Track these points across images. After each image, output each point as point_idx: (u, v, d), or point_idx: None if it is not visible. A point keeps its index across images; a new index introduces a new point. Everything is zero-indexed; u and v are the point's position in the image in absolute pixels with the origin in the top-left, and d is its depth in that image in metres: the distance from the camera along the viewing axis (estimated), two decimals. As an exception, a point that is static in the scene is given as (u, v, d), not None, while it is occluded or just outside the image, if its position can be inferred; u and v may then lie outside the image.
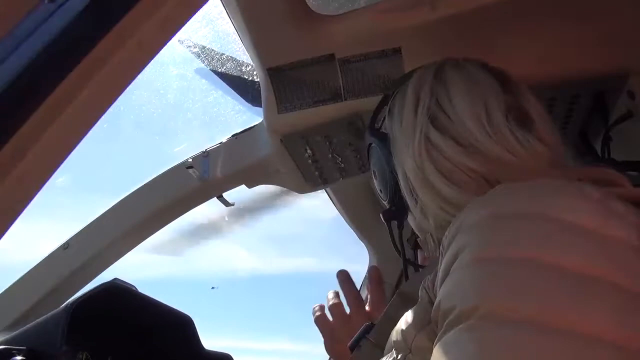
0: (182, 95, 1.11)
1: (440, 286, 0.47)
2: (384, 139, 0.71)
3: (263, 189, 1.44)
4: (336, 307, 0.88)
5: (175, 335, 1.24)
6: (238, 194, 1.40)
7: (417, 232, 0.71)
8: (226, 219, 1.51)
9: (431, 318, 0.50)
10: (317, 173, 1.25)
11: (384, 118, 0.75)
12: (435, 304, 0.47)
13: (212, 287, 3.23)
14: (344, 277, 0.91)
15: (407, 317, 0.57)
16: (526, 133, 0.61)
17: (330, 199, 1.68)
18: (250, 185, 1.36)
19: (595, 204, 0.46)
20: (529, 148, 0.60)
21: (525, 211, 0.46)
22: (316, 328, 0.90)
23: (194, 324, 1.32)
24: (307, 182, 1.31)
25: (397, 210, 0.71)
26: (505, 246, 0.44)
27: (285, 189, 1.41)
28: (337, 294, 0.90)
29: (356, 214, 1.65)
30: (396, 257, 0.79)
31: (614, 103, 1.02)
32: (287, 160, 1.20)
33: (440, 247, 0.51)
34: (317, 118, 1.08)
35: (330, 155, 1.18)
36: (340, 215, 1.62)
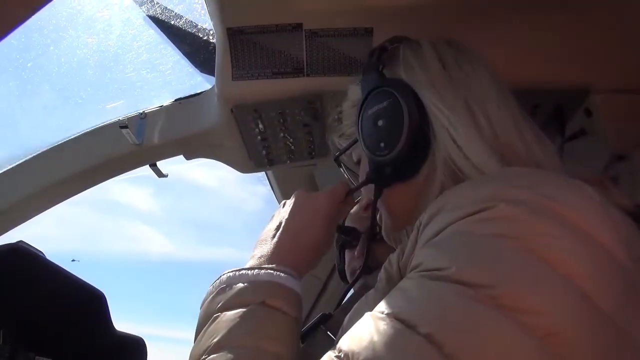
0: (124, 44, 0.99)
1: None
2: (399, 85, 0.63)
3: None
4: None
5: (85, 309, 1.13)
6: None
7: (395, 211, 0.65)
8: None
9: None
10: (264, 152, 1.17)
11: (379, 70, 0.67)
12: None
13: (73, 260, 3.12)
14: None
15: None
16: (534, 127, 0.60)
17: (270, 182, 1.61)
18: (188, 156, 1.27)
19: (596, 206, 0.43)
20: (540, 140, 0.59)
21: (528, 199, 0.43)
22: None
23: (106, 301, 1.22)
24: (251, 161, 1.22)
25: (394, 170, 0.62)
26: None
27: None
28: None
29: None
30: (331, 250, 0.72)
31: (570, 118, 1.03)
32: (234, 134, 1.11)
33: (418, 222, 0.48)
34: (274, 92, 1.00)
35: (281, 135, 1.10)
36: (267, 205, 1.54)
